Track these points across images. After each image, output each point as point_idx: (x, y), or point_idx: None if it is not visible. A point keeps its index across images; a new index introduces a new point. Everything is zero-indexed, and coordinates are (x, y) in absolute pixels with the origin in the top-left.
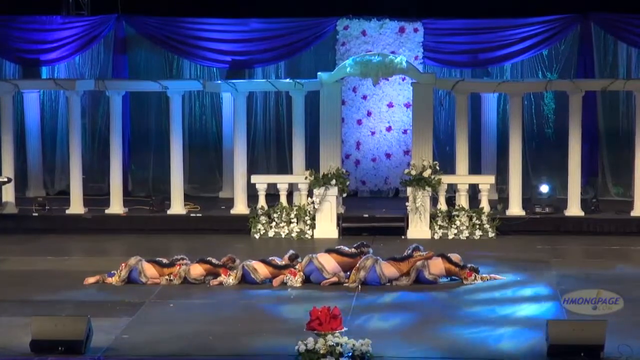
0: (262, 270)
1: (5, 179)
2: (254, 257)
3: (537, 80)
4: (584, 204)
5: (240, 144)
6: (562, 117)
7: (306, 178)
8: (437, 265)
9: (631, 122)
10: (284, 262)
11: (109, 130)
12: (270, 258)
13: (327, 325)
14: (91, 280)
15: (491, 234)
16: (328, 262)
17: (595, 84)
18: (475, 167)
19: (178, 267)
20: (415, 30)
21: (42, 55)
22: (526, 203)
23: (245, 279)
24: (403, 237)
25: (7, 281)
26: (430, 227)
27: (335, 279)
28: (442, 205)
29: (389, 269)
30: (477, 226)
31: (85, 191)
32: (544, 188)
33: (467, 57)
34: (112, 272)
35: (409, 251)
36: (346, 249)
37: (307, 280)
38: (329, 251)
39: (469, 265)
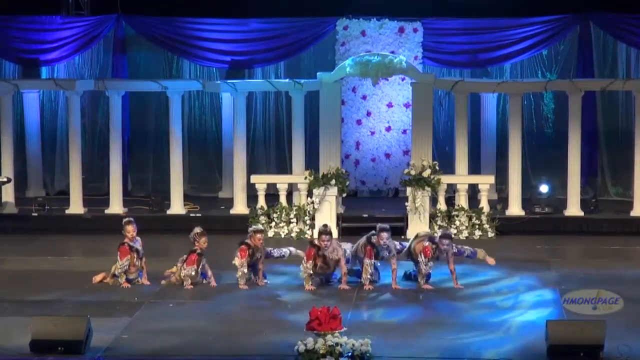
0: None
1: (5, 179)
2: None
3: (536, 80)
4: (584, 204)
5: (240, 144)
6: (561, 117)
7: (306, 178)
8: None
9: (630, 122)
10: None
11: (108, 130)
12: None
13: (327, 325)
14: (98, 278)
15: (491, 234)
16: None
17: (594, 84)
18: (474, 167)
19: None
20: (415, 30)
21: (42, 55)
22: (526, 203)
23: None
24: (403, 237)
25: (7, 281)
26: (429, 227)
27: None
28: (442, 205)
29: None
30: (477, 226)
31: (85, 191)
32: (544, 188)
33: (467, 57)
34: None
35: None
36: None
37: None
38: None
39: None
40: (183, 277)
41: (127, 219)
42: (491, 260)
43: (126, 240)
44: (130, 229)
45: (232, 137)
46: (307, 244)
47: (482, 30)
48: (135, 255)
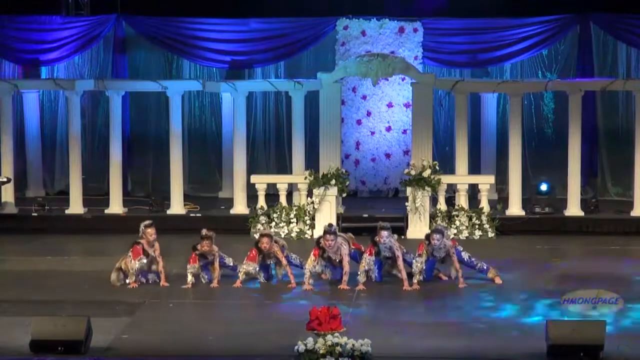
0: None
1: (5, 179)
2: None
3: (536, 80)
4: (584, 204)
5: (240, 144)
6: (561, 117)
7: (306, 178)
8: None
9: (630, 122)
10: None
11: (108, 130)
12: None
13: (327, 325)
14: (117, 284)
15: (491, 234)
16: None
17: (594, 84)
18: (474, 167)
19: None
20: (415, 30)
21: (42, 55)
22: (526, 203)
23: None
24: (403, 237)
25: (7, 281)
26: (429, 227)
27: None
28: (442, 205)
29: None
30: (477, 226)
31: (85, 191)
32: (544, 188)
33: (467, 57)
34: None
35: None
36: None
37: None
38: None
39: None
40: (189, 280)
41: (148, 221)
42: (499, 280)
43: (142, 241)
44: (152, 232)
45: (232, 137)
46: (314, 243)
47: (482, 30)
48: (145, 258)
